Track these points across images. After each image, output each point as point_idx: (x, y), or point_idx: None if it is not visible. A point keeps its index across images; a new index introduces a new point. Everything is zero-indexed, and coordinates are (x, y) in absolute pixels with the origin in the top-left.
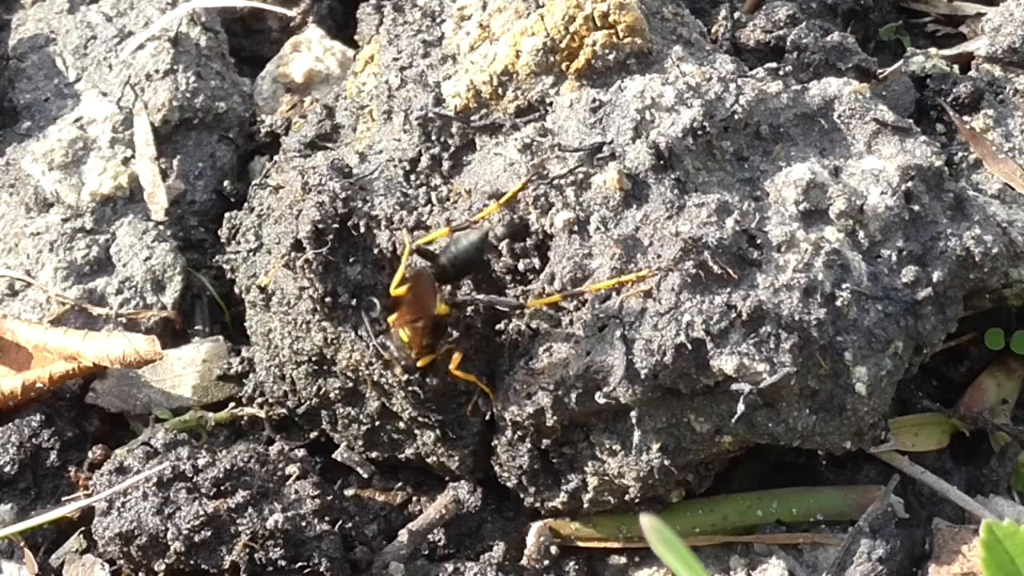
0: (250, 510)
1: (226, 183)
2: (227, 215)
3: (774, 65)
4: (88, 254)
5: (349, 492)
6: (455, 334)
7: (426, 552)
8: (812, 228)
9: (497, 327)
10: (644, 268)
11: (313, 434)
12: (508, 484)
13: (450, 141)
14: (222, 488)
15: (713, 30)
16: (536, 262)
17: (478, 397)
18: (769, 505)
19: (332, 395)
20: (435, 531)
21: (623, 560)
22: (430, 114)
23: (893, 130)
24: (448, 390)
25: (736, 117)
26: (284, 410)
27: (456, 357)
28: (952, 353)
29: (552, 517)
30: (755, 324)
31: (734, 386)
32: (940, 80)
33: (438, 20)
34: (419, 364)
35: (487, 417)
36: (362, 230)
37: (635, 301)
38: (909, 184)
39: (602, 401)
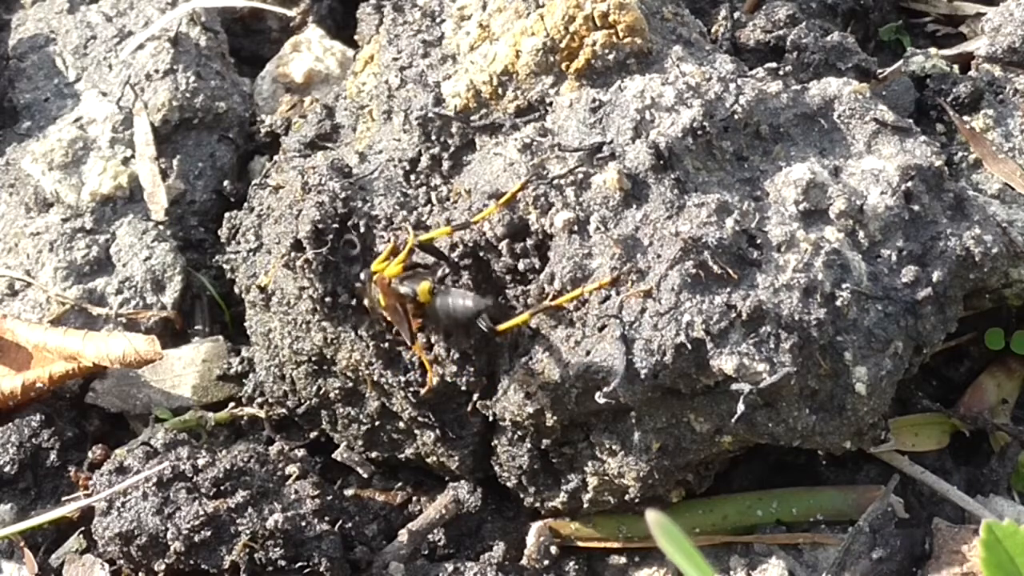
0: (250, 510)
1: (226, 183)
2: (227, 215)
3: (774, 65)
4: (88, 254)
5: (349, 492)
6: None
7: (426, 552)
8: (812, 228)
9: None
10: (644, 268)
11: (313, 434)
12: (508, 484)
13: (450, 141)
14: (222, 488)
15: (713, 30)
16: (536, 262)
17: (477, 400)
18: (769, 505)
19: (332, 395)
20: (435, 531)
21: (623, 560)
22: (430, 114)
23: (893, 130)
24: (448, 390)
25: (736, 117)
26: (284, 410)
27: (416, 322)
28: (952, 353)
29: (552, 517)
30: (755, 324)
31: (734, 386)
32: (940, 80)
33: (438, 20)
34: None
35: (482, 415)
36: (362, 230)
37: (635, 301)
38: (909, 184)
39: (602, 401)
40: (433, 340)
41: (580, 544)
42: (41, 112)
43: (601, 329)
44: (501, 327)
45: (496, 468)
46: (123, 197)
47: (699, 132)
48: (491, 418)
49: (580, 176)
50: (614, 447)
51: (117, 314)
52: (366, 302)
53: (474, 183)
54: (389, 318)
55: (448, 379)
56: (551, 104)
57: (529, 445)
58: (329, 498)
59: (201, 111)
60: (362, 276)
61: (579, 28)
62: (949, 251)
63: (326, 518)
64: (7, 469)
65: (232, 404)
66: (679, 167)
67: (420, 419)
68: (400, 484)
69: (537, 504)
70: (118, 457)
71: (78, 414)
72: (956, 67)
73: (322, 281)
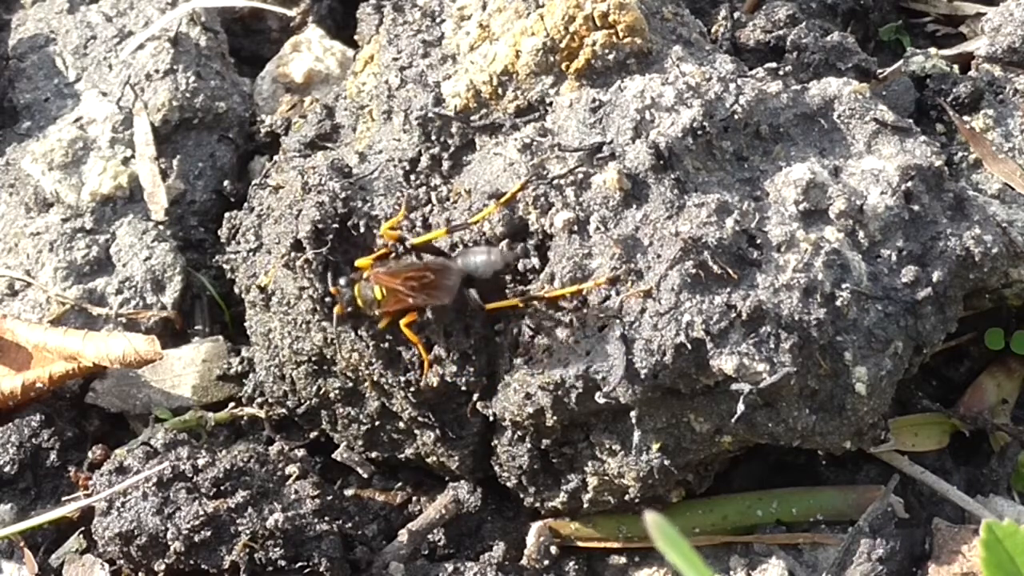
0: (250, 510)
1: (226, 183)
2: (227, 215)
3: (774, 65)
4: (88, 254)
5: (349, 492)
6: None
7: (426, 552)
8: (812, 228)
9: (497, 327)
10: (644, 268)
11: (313, 434)
12: (508, 484)
13: (450, 141)
14: (222, 488)
15: (713, 30)
16: (536, 262)
17: (477, 400)
18: (769, 505)
19: (332, 395)
20: (435, 531)
21: (623, 560)
22: (430, 114)
23: (893, 130)
24: (448, 390)
25: (736, 117)
26: (284, 410)
27: (411, 315)
28: (952, 353)
29: (552, 517)
30: (755, 324)
31: (734, 386)
32: (940, 80)
33: (438, 20)
34: (380, 325)
35: (482, 416)
36: (362, 230)
37: (635, 301)
38: (909, 184)
39: (602, 401)
40: (433, 339)
41: (580, 544)
42: (41, 112)
43: (601, 329)
44: (489, 306)
45: (496, 468)
46: (123, 197)
47: (699, 132)
48: (491, 418)
49: (580, 176)
50: (614, 447)
51: (117, 314)
52: (341, 306)
53: (474, 183)
54: (391, 310)
55: (448, 379)
56: (551, 104)
57: (529, 445)
58: (329, 498)
59: (201, 111)
60: (341, 282)
61: (579, 28)
62: (949, 251)
63: (326, 518)
64: (7, 469)
65: (232, 404)
66: (679, 167)
67: (420, 419)
68: (400, 484)
69: (537, 504)
70: (118, 457)
71: (78, 414)
72: (956, 67)
73: (322, 281)
